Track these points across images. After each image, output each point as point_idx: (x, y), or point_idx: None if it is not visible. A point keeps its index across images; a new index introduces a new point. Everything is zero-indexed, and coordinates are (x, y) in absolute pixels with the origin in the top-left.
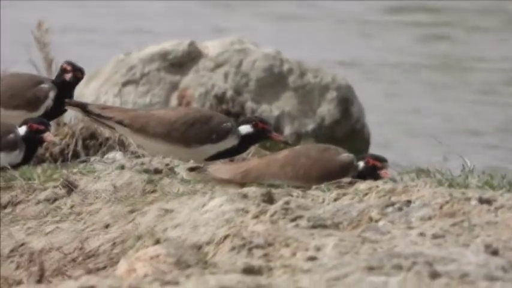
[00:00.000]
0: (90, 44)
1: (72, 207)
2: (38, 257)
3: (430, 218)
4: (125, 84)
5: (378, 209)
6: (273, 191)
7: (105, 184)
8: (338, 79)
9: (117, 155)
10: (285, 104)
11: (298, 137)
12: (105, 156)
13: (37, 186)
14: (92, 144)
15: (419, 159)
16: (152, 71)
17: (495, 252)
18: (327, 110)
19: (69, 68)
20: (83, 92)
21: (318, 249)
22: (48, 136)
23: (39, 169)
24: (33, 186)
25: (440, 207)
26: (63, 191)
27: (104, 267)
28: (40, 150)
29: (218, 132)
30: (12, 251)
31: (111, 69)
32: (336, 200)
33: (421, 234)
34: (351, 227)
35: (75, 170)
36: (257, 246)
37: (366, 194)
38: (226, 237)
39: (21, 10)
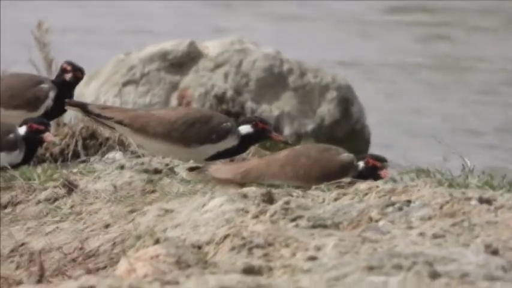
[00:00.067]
0: (90, 44)
1: (72, 207)
2: (38, 257)
3: (430, 218)
4: (125, 84)
5: (378, 209)
6: (273, 191)
7: (105, 184)
8: (338, 79)
9: (117, 155)
10: (285, 104)
11: (298, 137)
12: (105, 156)
13: (37, 186)
14: (92, 144)
15: (418, 159)
16: (152, 71)
17: (495, 252)
18: (327, 110)
19: (69, 68)
20: (83, 92)
21: (318, 249)
22: (48, 136)
23: (39, 169)
24: (33, 186)
25: (441, 207)
26: (63, 191)
27: (104, 267)
28: (40, 150)
29: (218, 132)
30: (12, 251)
31: (111, 69)
32: (336, 200)
33: (421, 234)
34: (351, 227)
35: (75, 170)
36: (257, 246)
37: (366, 194)
38: (226, 237)
39: (21, 10)
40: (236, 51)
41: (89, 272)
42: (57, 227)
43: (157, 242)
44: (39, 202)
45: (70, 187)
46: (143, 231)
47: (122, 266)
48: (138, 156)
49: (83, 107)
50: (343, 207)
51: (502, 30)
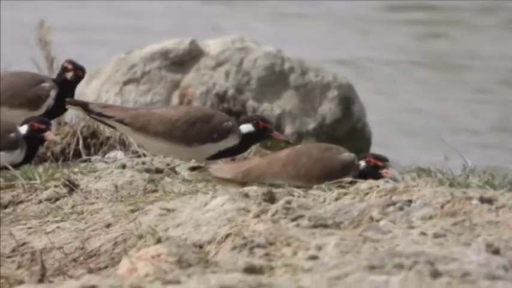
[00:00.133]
0: (89, 43)
1: (73, 206)
2: (39, 256)
3: (431, 218)
4: (126, 83)
5: (379, 208)
6: (274, 190)
7: (106, 184)
8: (339, 78)
9: (118, 155)
10: (286, 102)
11: (299, 136)
12: (106, 156)
13: (38, 186)
14: (93, 143)
15: (416, 159)
16: (153, 69)
17: (496, 252)
18: (328, 108)
19: (70, 66)
20: (84, 91)
21: (319, 248)
22: (49, 135)
23: (40, 168)
24: (34, 186)
25: (442, 207)
26: (64, 191)
27: (106, 267)
28: (41, 150)
29: (219, 131)
30: (13, 250)
31: (112, 68)
32: (337, 199)
33: (422, 234)
34: (352, 226)
35: (76, 170)
36: (258, 246)
37: (367, 194)
38: (227, 236)
39: (20, 10)
40: (237, 49)
41: (90, 271)
42: (59, 227)
43: (158, 241)
44: (40, 202)
45: (71, 187)
46: (144, 231)
47: (124, 266)
48: (139, 156)
49: (84, 106)
50: (344, 206)
51: (500, 28)
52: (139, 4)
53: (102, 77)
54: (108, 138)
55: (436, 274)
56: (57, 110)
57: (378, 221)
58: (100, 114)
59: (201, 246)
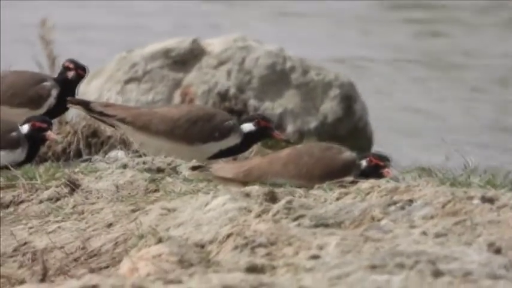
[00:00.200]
0: (89, 42)
1: (74, 206)
2: (40, 256)
3: (432, 217)
4: (128, 81)
5: (380, 208)
6: (276, 190)
7: (107, 183)
8: (341, 76)
9: (119, 154)
10: (287, 101)
11: (301, 135)
12: (107, 155)
13: (39, 186)
14: (94, 143)
15: (414, 158)
16: (155, 68)
17: (498, 251)
18: (329, 107)
19: (71, 66)
20: (86, 90)
21: (321, 248)
22: (51, 134)
23: (41, 168)
24: (35, 186)
25: (443, 206)
26: (65, 190)
27: (107, 267)
28: (42, 149)
29: (221, 130)
30: (14, 250)
31: (114, 66)
32: (338, 199)
33: (424, 233)
34: (353, 226)
35: (77, 170)
36: (260, 245)
37: (368, 193)
38: (229, 236)
39: (21, 9)
40: (239, 48)
41: (91, 271)
42: (60, 227)
43: (160, 241)
44: (41, 201)
45: (72, 186)
46: (146, 231)
47: (125, 265)
48: (140, 155)
49: (85, 105)
50: (345, 206)
51: (501, 28)
52: (139, 3)
53: (103, 76)
54: (109, 137)
55: (437, 274)
56: (59, 109)
57: (379, 220)
58: (101, 113)
59: (202, 246)
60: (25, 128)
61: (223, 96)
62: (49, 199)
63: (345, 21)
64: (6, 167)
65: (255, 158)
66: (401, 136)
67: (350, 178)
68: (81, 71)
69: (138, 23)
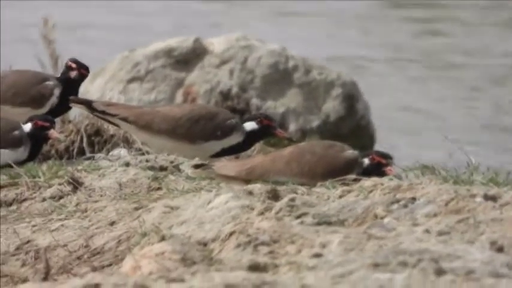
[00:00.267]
0: (89, 42)
1: (77, 204)
2: (43, 254)
3: (435, 215)
4: (130, 81)
5: (383, 206)
6: (278, 188)
7: (110, 181)
8: (343, 76)
9: (122, 152)
10: (290, 100)
11: (303, 134)
12: (110, 154)
13: (42, 184)
14: (97, 141)
15: (412, 156)
16: (157, 67)
17: (500, 249)
18: (332, 106)
19: (74, 65)
20: (88, 89)
21: (323, 246)
22: (53, 133)
23: (44, 166)
24: (38, 184)
25: (446, 204)
26: (68, 189)
27: (109, 265)
28: (45, 147)
29: (223, 128)
30: (17, 248)
31: (116, 66)
32: (341, 197)
33: (427, 231)
34: (356, 224)
35: (80, 168)
36: (262, 243)
37: (371, 191)
38: (231, 234)
39: (20, 9)
40: (241, 47)
41: (94, 269)
42: (63, 225)
43: (162, 239)
44: (44, 199)
45: (75, 185)
46: (148, 229)
47: (127, 264)
48: (143, 154)
49: (87, 104)
50: (348, 204)
51: (502, 27)
52: (139, 3)
53: (106, 75)
54: (112, 136)
55: (440, 272)
56: (61, 108)
57: (382, 218)
58: (104, 113)
59: (205, 244)
60: (28, 127)
61: (226, 95)
62: (52, 197)
63: (344, 20)
64: (9, 165)
65: (257, 156)
66: (401, 135)
67: (352, 176)
68: (83, 71)
69: (138, 23)
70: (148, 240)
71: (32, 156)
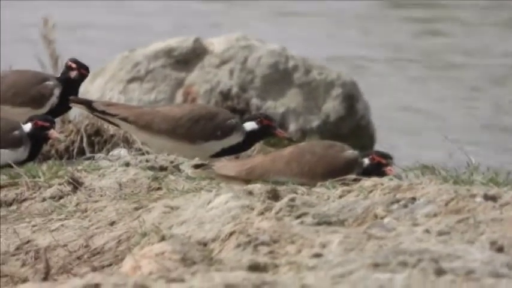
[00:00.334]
0: (89, 42)
1: (77, 204)
2: (43, 254)
3: (435, 215)
4: (130, 81)
5: (383, 206)
6: (278, 188)
7: (110, 181)
8: (343, 76)
9: (122, 152)
10: (290, 100)
11: (303, 134)
12: (110, 153)
13: (42, 184)
14: (97, 141)
15: (411, 156)
16: (157, 67)
17: (500, 249)
18: (332, 106)
19: (74, 65)
20: (88, 89)
21: (323, 246)
22: (53, 133)
23: (44, 166)
24: (38, 184)
25: (446, 204)
26: (68, 189)
27: (109, 265)
28: (45, 147)
29: (223, 128)
30: (17, 248)
31: (116, 66)
32: (341, 197)
33: (427, 231)
34: (356, 224)
35: (80, 167)
36: (263, 243)
37: (371, 191)
38: (231, 234)
39: (20, 9)
40: (241, 47)
41: (94, 269)
42: (63, 225)
43: (162, 239)
44: (44, 199)
45: (75, 185)
46: (148, 229)
47: (127, 264)
48: (143, 154)
49: (87, 104)
50: (348, 204)
51: (502, 27)
52: (139, 3)
53: (106, 75)
54: (112, 136)
55: (440, 272)
56: (61, 108)
57: (382, 218)
58: (104, 113)
59: (205, 244)
60: (28, 127)
61: (226, 95)
62: (52, 197)
63: (344, 20)
64: (9, 165)
65: (257, 156)
66: (401, 135)
67: (352, 176)
68: (83, 71)
69: (138, 23)
70: (148, 240)
71: (32, 156)
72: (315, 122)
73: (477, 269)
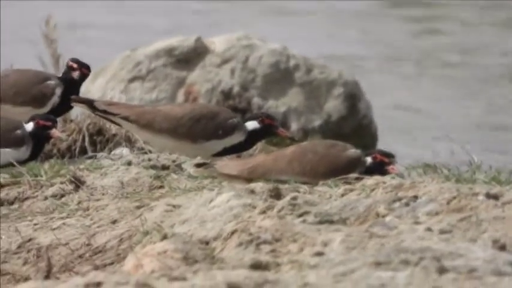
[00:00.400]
0: (89, 41)
1: (79, 203)
2: (45, 252)
3: (437, 213)
4: (131, 80)
5: (385, 204)
6: (280, 186)
7: (112, 180)
8: (345, 75)
9: (124, 151)
10: (291, 100)
11: (305, 133)
12: (112, 152)
13: (44, 183)
14: (99, 141)
15: (413, 156)
16: (158, 67)
17: (502, 248)
18: (333, 105)
19: (75, 65)
20: (89, 89)
21: (325, 244)
22: (55, 132)
23: (46, 165)
24: (40, 183)
25: (448, 203)
26: (70, 187)
27: (111, 263)
28: (47, 146)
29: (224, 128)
30: (19, 246)
31: (118, 65)
32: (343, 195)
33: (429, 230)
34: (358, 222)
35: (82, 166)
36: (264, 242)
37: (373, 190)
38: (233, 232)
39: (20, 9)
40: (243, 47)
41: (96, 268)
42: (64, 223)
43: (164, 237)
44: (46, 198)
45: (77, 183)
46: (150, 227)
47: (129, 262)
48: (145, 153)
49: (89, 104)
50: (350, 202)
51: (501, 27)
52: (140, 3)
53: (107, 75)
54: (114, 135)
55: (442, 270)
56: (63, 107)
57: (384, 217)
58: (105, 112)
59: (207, 243)
60: (30, 126)
61: (227, 94)
62: (54, 196)
63: (344, 19)
64: (11, 164)
65: (259, 156)
66: (401, 135)
67: (354, 175)
68: (85, 70)
69: (139, 22)
70: (150, 238)
71: (34, 156)
72: (317, 122)
73: (479, 267)
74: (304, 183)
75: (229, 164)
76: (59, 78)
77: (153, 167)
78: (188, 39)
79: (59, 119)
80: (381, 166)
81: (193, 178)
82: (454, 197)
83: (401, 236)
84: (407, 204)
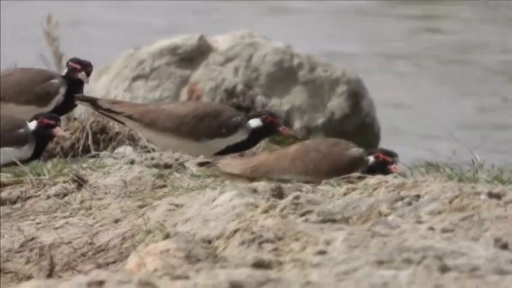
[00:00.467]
0: (90, 40)
1: (82, 202)
2: (48, 251)
3: (439, 212)
4: (135, 78)
5: (388, 203)
6: (283, 185)
7: (115, 179)
8: (348, 73)
9: (127, 150)
10: (295, 98)
11: (308, 131)
12: (115, 151)
13: (47, 181)
14: (102, 139)
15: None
16: (162, 65)
17: (505, 246)
18: (337, 104)
19: (78, 66)
20: (93, 87)
21: (328, 243)
22: (58, 131)
23: (49, 164)
24: (43, 181)
25: (450, 202)
26: (73, 186)
27: (114, 262)
28: (50, 145)
29: (228, 126)
30: (22, 245)
31: (121, 64)
32: (345, 194)
33: (431, 229)
34: (361, 221)
35: (84, 165)
36: (267, 241)
37: (376, 189)
38: (236, 231)
39: (20, 9)
40: (246, 45)
41: (98, 266)
42: (67, 222)
43: (167, 236)
44: (49, 197)
45: (80, 182)
46: (153, 226)
47: (132, 261)
48: (148, 151)
49: (92, 102)
50: (352, 201)
51: (501, 25)
52: (139, 2)
53: (111, 73)
54: (117, 133)
55: (444, 269)
56: (66, 106)
57: (386, 216)
58: (109, 110)
59: (209, 242)
60: (33, 125)
61: (231, 92)
62: (56, 195)
63: (343, 17)
64: (14, 163)
65: (262, 154)
66: (401, 134)
67: (357, 174)
68: (88, 69)
69: (140, 21)
70: (153, 237)
71: (37, 154)
72: (320, 120)
73: (481, 266)
74: (306, 182)
75: (231, 163)
76: (62, 77)
77: (156, 165)
78: (191, 37)
79: (63, 118)
80: (384, 165)
81: (196, 177)
82: (456, 196)
83: (403, 235)
84: (409, 203)
